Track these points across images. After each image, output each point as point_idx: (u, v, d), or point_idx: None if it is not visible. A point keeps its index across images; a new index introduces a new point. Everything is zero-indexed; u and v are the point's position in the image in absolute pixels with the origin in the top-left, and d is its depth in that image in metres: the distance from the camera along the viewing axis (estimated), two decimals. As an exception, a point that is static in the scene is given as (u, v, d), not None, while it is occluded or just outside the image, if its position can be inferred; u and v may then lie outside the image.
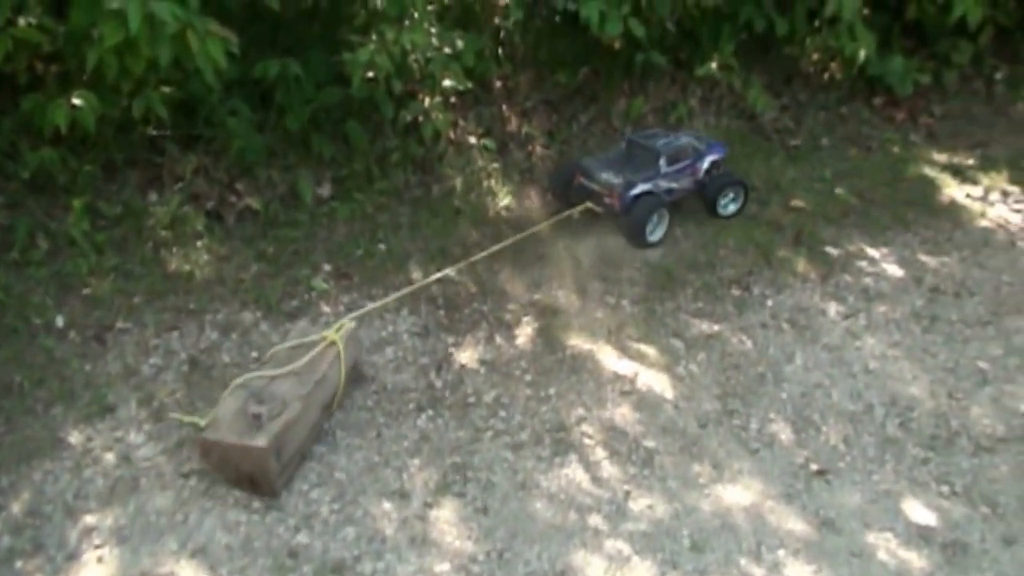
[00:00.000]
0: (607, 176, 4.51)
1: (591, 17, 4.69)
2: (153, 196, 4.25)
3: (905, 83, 5.84)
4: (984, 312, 4.28)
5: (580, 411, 3.63)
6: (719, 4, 5.26)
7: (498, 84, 5.12)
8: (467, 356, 3.84)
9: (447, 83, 4.53)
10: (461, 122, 4.90)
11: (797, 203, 4.94)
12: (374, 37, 4.25)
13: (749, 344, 4.01)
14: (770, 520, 3.23)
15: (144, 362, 3.69)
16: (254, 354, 3.77)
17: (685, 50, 5.56)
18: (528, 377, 3.77)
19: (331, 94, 4.46)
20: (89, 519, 3.11)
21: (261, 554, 3.04)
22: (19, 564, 2.97)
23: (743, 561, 3.10)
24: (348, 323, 3.59)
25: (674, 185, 4.66)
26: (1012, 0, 6.13)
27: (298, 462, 3.32)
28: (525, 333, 3.98)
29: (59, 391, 3.51)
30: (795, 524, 3.23)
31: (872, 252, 4.64)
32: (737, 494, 3.32)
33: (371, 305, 3.94)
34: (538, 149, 5.01)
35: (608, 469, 3.40)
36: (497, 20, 5.13)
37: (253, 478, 3.19)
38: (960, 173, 5.37)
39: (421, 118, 4.56)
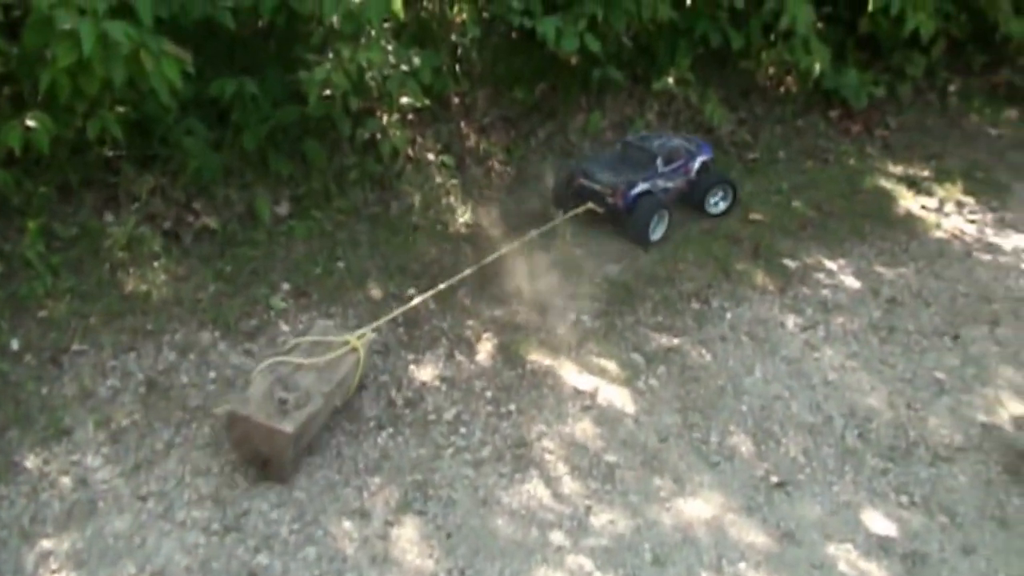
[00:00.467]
0: (608, 176, 4.65)
1: (547, 33, 4.72)
2: (109, 217, 4.21)
3: (860, 96, 5.90)
4: (941, 322, 4.32)
5: (541, 427, 3.63)
6: (674, 19, 5.29)
7: (456, 101, 5.13)
8: (427, 373, 3.83)
9: (404, 100, 4.53)
10: (419, 139, 4.90)
11: (755, 216, 4.97)
12: (330, 55, 4.24)
13: (709, 357, 4.03)
14: (731, 533, 3.24)
15: (101, 384, 3.65)
16: (212, 374, 3.74)
17: (642, 65, 5.61)
18: (489, 393, 3.76)
19: (288, 112, 4.45)
20: (46, 543, 3.07)
21: (220, 577, 3.02)
22: (-27, 591, 2.93)
23: (704, 574, 3.10)
24: (370, 333, 3.70)
25: (670, 184, 4.82)
26: (964, 13, 6.22)
27: (304, 454, 3.39)
28: (485, 349, 3.98)
29: (14, 414, 3.46)
30: (756, 537, 3.24)
31: (829, 264, 4.68)
32: (698, 507, 3.33)
33: (385, 318, 3.96)
34: (496, 165, 5.02)
35: (569, 484, 3.39)
36: (454, 37, 5.15)
37: (268, 460, 3.30)
38: (915, 185, 5.43)
39: (379, 135, 4.56)
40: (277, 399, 3.28)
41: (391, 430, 3.57)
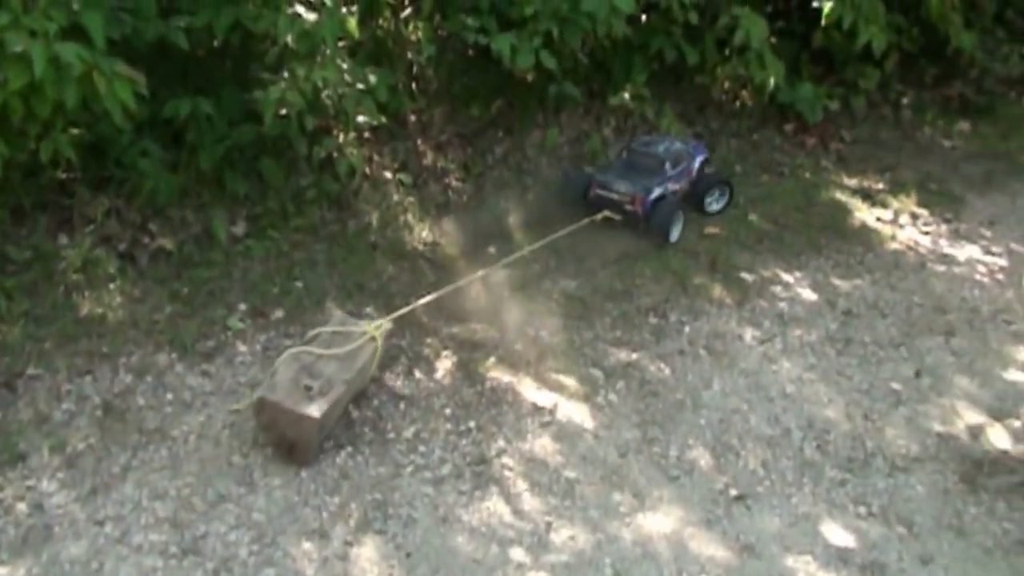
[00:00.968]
0: (625, 186, 4.85)
1: (502, 50, 4.73)
2: (64, 239, 4.18)
3: (815, 109, 5.96)
4: (896, 334, 4.36)
5: (500, 443, 3.63)
6: (629, 35, 5.33)
7: (412, 119, 5.12)
8: (386, 392, 3.82)
9: (361, 119, 4.52)
10: (376, 157, 4.90)
11: (712, 230, 5.01)
12: (286, 74, 4.24)
13: (667, 371, 4.05)
14: (691, 547, 3.25)
15: (56, 408, 3.61)
16: (169, 396, 3.71)
17: (598, 81, 5.63)
18: (448, 411, 3.76)
19: (244, 132, 4.43)
20: (0, 570, 3.03)
21: (178, 601, 2.99)
22: (-75, 622, 2.89)
23: (665, 589, 3.12)
24: (386, 323, 3.86)
25: (676, 187, 5.02)
26: (916, 27, 6.30)
27: (326, 439, 3.56)
28: (444, 367, 3.98)
29: (-33, 441, 3.43)
30: (716, 550, 3.25)
31: (786, 277, 4.72)
32: (658, 522, 3.34)
33: (405, 308, 4.08)
34: (454, 182, 5.02)
35: (529, 501, 3.39)
36: (410, 55, 5.15)
37: (295, 444, 3.43)
38: (870, 197, 5.49)
39: (336, 154, 4.54)
40: (303, 386, 3.44)
41: (350, 449, 3.55)
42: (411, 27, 5.16)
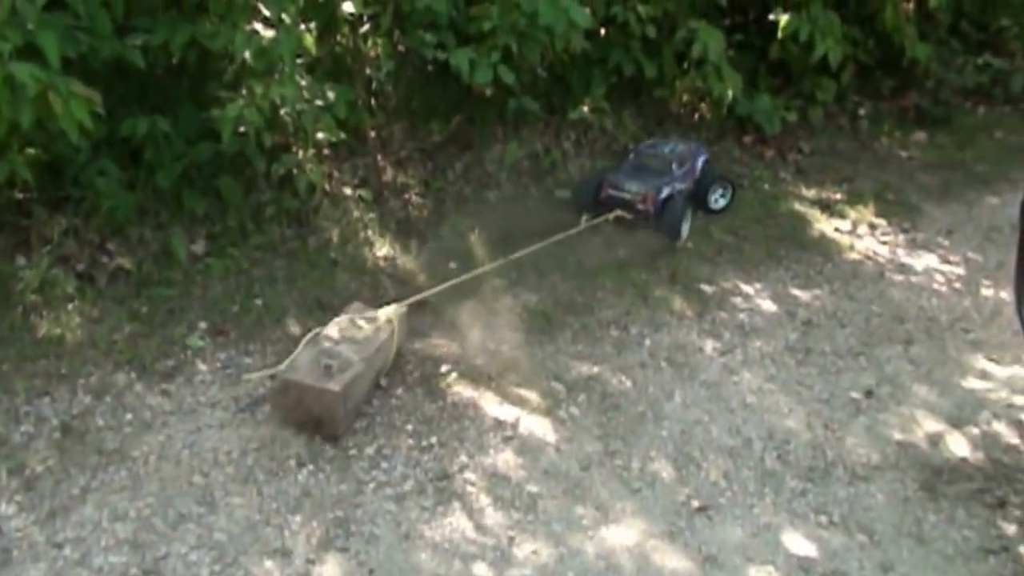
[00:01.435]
0: (635, 186, 5.00)
1: (461, 65, 4.75)
2: (21, 260, 4.15)
3: (773, 121, 6.01)
4: (856, 343, 4.39)
5: (463, 458, 3.62)
6: (588, 49, 5.36)
7: (372, 135, 5.12)
8: (347, 409, 3.81)
9: (320, 135, 4.52)
10: (336, 173, 4.90)
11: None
12: (244, 92, 4.23)
13: (629, 384, 4.06)
14: (654, 559, 3.25)
15: (14, 430, 3.58)
16: (129, 416, 3.69)
17: (557, 95, 5.66)
18: (410, 427, 3.75)
19: (202, 150, 4.42)
20: (-44, 598, 3.00)
21: (137, 624, 2.96)
22: None
23: (628, 602, 3.12)
24: (401, 308, 4.06)
25: (683, 186, 5.16)
26: (871, 39, 6.37)
27: (354, 417, 3.74)
28: (405, 383, 3.97)
29: (-78, 465, 3.39)
30: (678, 562, 3.25)
31: (746, 288, 4.74)
32: (621, 535, 3.33)
33: (426, 292, 4.25)
34: (414, 198, 5.03)
35: (492, 516, 3.39)
36: (369, 71, 5.15)
37: (321, 420, 3.61)
38: (829, 208, 5.54)
39: (295, 171, 4.54)
40: (323, 365, 3.63)
41: (311, 467, 3.53)
42: (370, 43, 5.16)
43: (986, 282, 4.87)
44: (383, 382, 3.95)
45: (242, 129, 4.22)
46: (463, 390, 3.96)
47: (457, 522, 3.35)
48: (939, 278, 4.92)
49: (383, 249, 4.70)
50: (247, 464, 3.53)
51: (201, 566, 3.14)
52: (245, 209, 4.57)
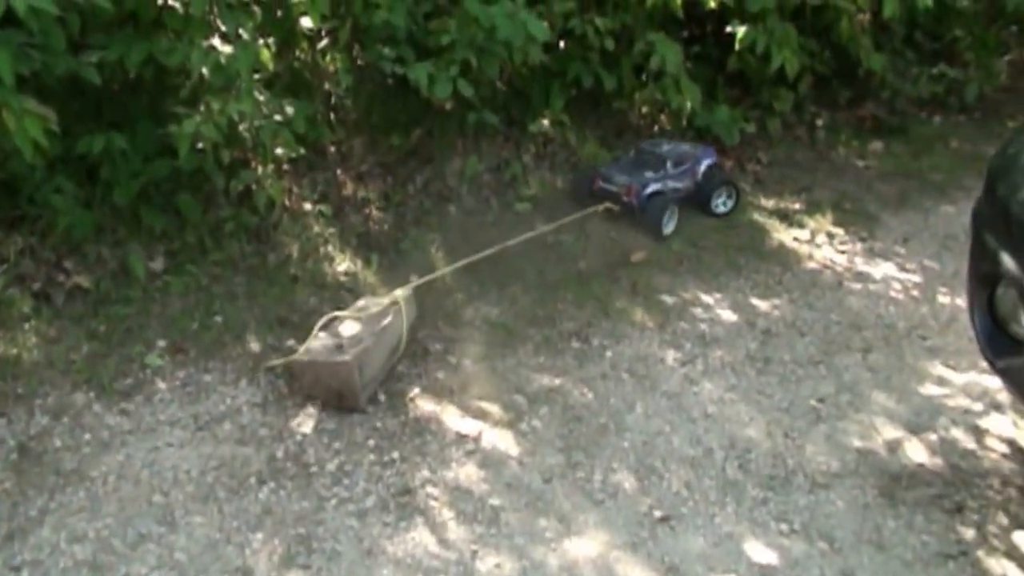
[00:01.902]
0: (623, 178, 5.15)
1: (419, 80, 4.75)
2: (-25, 280, 4.11)
3: (731, 132, 6.05)
4: (815, 352, 4.42)
5: (425, 473, 3.61)
6: (546, 62, 5.38)
7: (332, 149, 5.11)
8: (308, 425, 3.79)
9: (279, 151, 4.51)
10: (295, 189, 4.88)
11: (638, 256, 5.04)
12: (202, 108, 4.21)
13: (590, 396, 4.06)
14: (617, 570, 3.26)
15: (-30, 453, 3.54)
16: (87, 436, 3.65)
17: (517, 108, 5.67)
18: (371, 442, 3.74)
19: (160, 167, 4.39)
20: (-90, 623, 2.96)
21: (96, 646, 2.93)
22: None
23: (591, 614, 3.12)
24: (407, 291, 4.29)
25: (679, 185, 5.30)
26: (827, 50, 6.43)
27: (374, 388, 3.98)
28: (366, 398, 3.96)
29: None
30: (641, 572, 3.25)
31: (706, 298, 4.77)
32: (584, 546, 3.34)
33: (431, 275, 4.49)
34: (374, 212, 5.02)
35: (455, 530, 3.38)
36: (328, 86, 5.15)
37: (340, 393, 3.83)
38: (787, 217, 5.58)
39: (254, 187, 4.52)
40: (334, 344, 3.88)
41: (272, 484, 3.52)
42: (328, 58, 5.16)
43: (942, 289, 4.92)
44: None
45: (200, 145, 4.20)
46: (425, 404, 3.95)
47: (420, 537, 3.34)
48: (896, 286, 4.97)
49: (344, 264, 4.69)
50: (207, 482, 3.50)
51: (161, 586, 3.12)
52: (204, 225, 4.55)
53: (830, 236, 5.43)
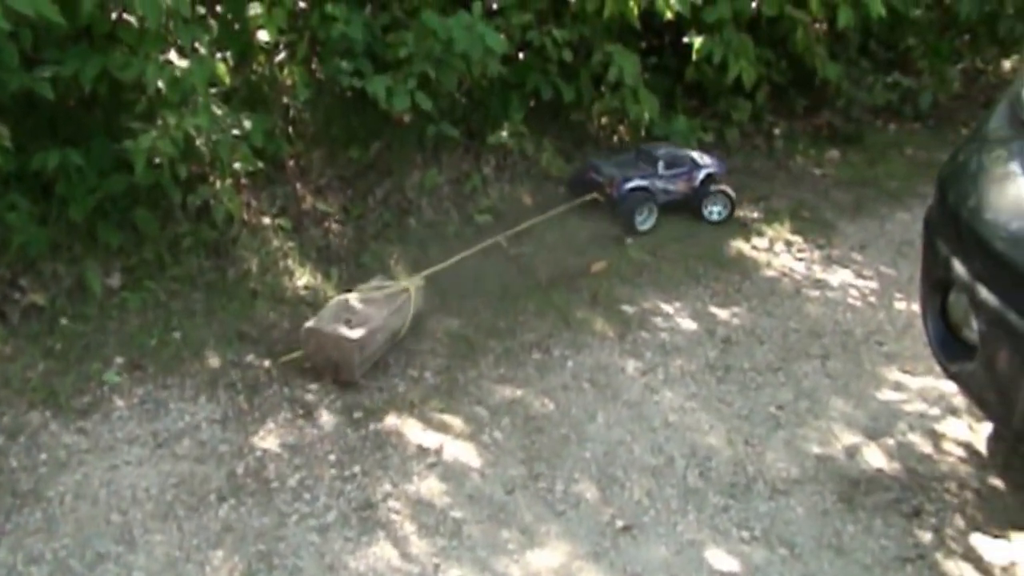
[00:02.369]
0: (611, 171, 5.30)
1: (377, 92, 4.74)
2: (-71, 298, 4.06)
3: (690, 142, 6.08)
4: (774, 359, 4.45)
5: (387, 487, 3.60)
6: (505, 74, 5.39)
7: (291, 163, 5.10)
8: (269, 441, 3.77)
9: (237, 165, 4.49)
10: (254, 203, 4.86)
11: (597, 267, 5.06)
12: (159, 122, 4.18)
13: (552, 406, 4.07)
14: (579, 581, 3.27)
15: (-76, 474, 3.50)
16: (43, 456, 3.61)
17: (476, 120, 5.68)
18: (332, 457, 3.72)
19: (116, 182, 4.36)
20: None
21: (54, 668, 2.90)
22: None
23: (554, 625, 3.12)
24: (418, 279, 4.51)
25: (670, 187, 5.42)
26: (784, 59, 6.49)
27: (370, 366, 4.18)
28: (327, 412, 3.94)
29: None
30: (604, 582, 3.27)
31: (666, 307, 4.79)
32: (546, 557, 3.34)
33: (442, 264, 4.73)
34: (334, 226, 5.00)
35: (417, 543, 3.37)
36: (286, 99, 5.13)
37: (338, 365, 4.05)
38: (746, 226, 5.61)
39: (212, 201, 4.50)
40: (343, 319, 4.09)
41: (233, 501, 3.49)
42: (286, 71, 5.14)
43: (899, 295, 4.97)
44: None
45: (156, 160, 4.17)
46: (386, 418, 3.94)
47: (382, 551, 3.33)
48: (854, 293, 5.01)
49: (303, 278, 4.68)
50: (166, 500, 3.47)
51: (121, 606, 3.10)
52: (161, 241, 4.52)
53: (788, 244, 5.47)
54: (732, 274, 5.13)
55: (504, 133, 5.53)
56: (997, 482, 3.74)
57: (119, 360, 4.08)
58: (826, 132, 6.79)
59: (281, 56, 5.14)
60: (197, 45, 4.35)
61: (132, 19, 4.19)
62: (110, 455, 3.65)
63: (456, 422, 3.95)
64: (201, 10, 4.74)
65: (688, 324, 4.67)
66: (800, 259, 5.34)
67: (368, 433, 3.86)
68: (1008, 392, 2.90)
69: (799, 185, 6.22)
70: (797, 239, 5.53)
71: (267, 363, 4.16)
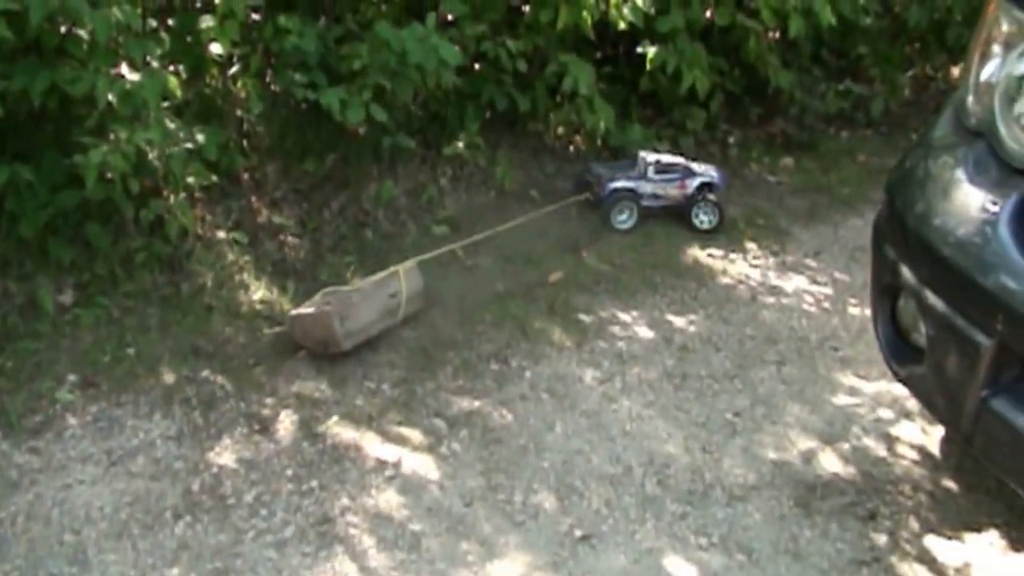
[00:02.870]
0: (601, 172, 5.46)
1: (331, 105, 4.72)
2: None
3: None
4: (731, 366, 4.48)
5: (344, 501, 3.59)
6: (460, 85, 5.39)
7: (245, 176, 5.07)
8: (225, 457, 3.75)
9: (190, 179, 4.46)
10: (208, 217, 4.83)
11: (554, 277, 5.07)
12: (111, 137, 4.15)
13: (510, 417, 4.07)
14: (538, 591, 3.27)
15: None
16: (-5, 476, 3.58)
17: (432, 131, 5.67)
18: (289, 472, 3.70)
19: (67, 197, 4.31)
20: None
21: None
22: None
23: (513, 636, 3.12)
24: (411, 263, 4.67)
25: (660, 192, 5.53)
26: (737, 68, 6.54)
27: (363, 338, 4.36)
28: (284, 427, 3.92)
29: None
30: (563, 592, 3.27)
31: (623, 316, 4.80)
32: (505, 568, 3.34)
33: (443, 248, 4.98)
34: (290, 239, 4.98)
35: (375, 557, 3.36)
36: (240, 112, 5.11)
37: (325, 340, 4.23)
38: (702, 234, 5.63)
39: (166, 216, 4.46)
40: (322, 303, 4.31)
41: (188, 518, 3.46)
42: (240, 84, 5.12)
43: (852, 301, 5.02)
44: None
45: (108, 175, 4.13)
46: (343, 431, 3.93)
47: (340, 566, 3.32)
48: (808, 299, 5.06)
49: (259, 292, 4.65)
50: (121, 519, 3.44)
51: (75, 626, 3.06)
52: (114, 256, 4.47)
53: (744, 251, 5.51)
54: (688, 282, 5.15)
55: (460, 144, 5.53)
56: (950, 484, 3.79)
57: (72, 378, 4.04)
58: (780, 140, 6.85)
59: (234, 69, 5.11)
60: (149, 58, 4.33)
61: (82, 33, 4.16)
62: (63, 474, 3.61)
63: (414, 434, 3.94)
64: (153, 23, 4.73)
65: (645, 332, 4.69)
66: (755, 266, 5.38)
67: (326, 447, 3.84)
68: (956, 395, 2.93)
69: (754, 193, 6.26)
70: (752, 246, 5.57)
71: (222, 378, 4.13)
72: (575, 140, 6.24)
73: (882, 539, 3.51)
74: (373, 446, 3.87)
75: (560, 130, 6.22)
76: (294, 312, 4.33)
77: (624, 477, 3.78)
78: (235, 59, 5.09)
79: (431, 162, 5.65)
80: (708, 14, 6.11)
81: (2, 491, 3.51)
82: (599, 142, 6.05)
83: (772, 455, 3.93)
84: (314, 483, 3.66)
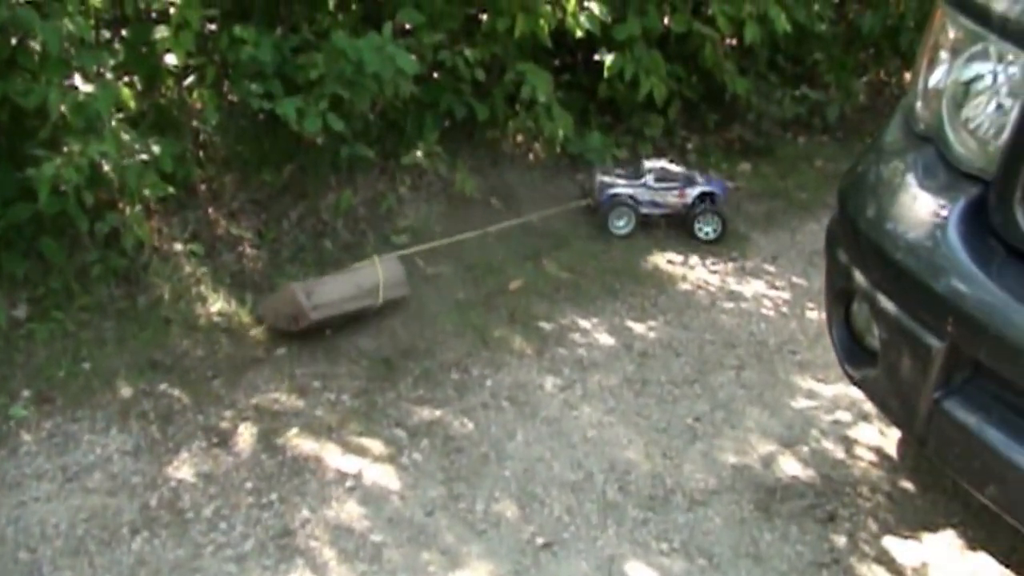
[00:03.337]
0: (602, 178, 5.53)
1: (288, 114, 4.70)
2: None
3: (604, 158, 6.12)
4: (691, 371, 4.50)
5: (305, 513, 3.57)
6: (418, 94, 5.38)
7: (202, 187, 5.04)
8: (183, 471, 3.72)
9: (146, 191, 4.42)
10: (165, 229, 4.79)
11: (514, 284, 5.07)
12: (65, 149, 4.11)
13: (471, 426, 4.07)
14: (500, 600, 3.27)
15: None
16: (-51, 494, 3.53)
17: (390, 140, 5.66)
18: (249, 485, 3.68)
19: (20, 210, 4.27)
20: None
21: None
22: None
23: (475, 645, 3.11)
24: (393, 256, 4.81)
25: (658, 200, 5.56)
26: (694, 75, 6.57)
27: (334, 313, 4.44)
28: (243, 440, 3.90)
29: None
30: (524, 600, 3.27)
31: (584, 323, 4.81)
32: (467, 578, 3.34)
33: (431, 244, 5.10)
34: (248, 250, 4.95)
35: (336, 570, 3.35)
36: (196, 123, 5.08)
37: (294, 316, 4.34)
38: (661, 240, 5.65)
39: (121, 228, 4.42)
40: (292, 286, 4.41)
41: (146, 533, 3.43)
42: (195, 95, 5.08)
43: (810, 305, 5.05)
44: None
45: (62, 188, 4.09)
46: (303, 443, 3.91)
47: (300, 579, 3.31)
48: (767, 303, 5.09)
49: (217, 304, 4.62)
50: (77, 535, 3.40)
51: (31, 645, 3.03)
52: (69, 270, 4.43)
53: (702, 257, 5.52)
54: (648, 288, 5.16)
55: (419, 153, 5.51)
56: (908, 484, 3.83)
57: (26, 393, 4.00)
58: (737, 146, 6.87)
59: (190, 79, 5.08)
60: (102, 70, 4.29)
61: (34, 44, 4.12)
62: (17, 491, 3.57)
63: (375, 445, 3.93)
64: (106, 34, 4.69)
65: (605, 339, 4.70)
66: (714, 271, 5.40)
67: (285, 459, 3.82)
68: (909, 397, 2.96)
69: (712, 198, 6.28)
70: (711, 252, 5.59)
71: (179, 392, 4.10)
72: (534, 148, 6.24)
73: (841, 540, 3.54)
74: (333, 457, 3.85)
75: (519, 138, 6.23)
76: (264, 302, 4.53)
77: (585, 484, 3.79)
78: (190, 70, 5.06)
79: (390, 171, 5.63)
80: (665, 22, 6.13)
81: (-44, 509, 3.47)
82: (558, 149, 6.05)
83: (732, 459, 3.95)
84: (274, 496, 3.64)
